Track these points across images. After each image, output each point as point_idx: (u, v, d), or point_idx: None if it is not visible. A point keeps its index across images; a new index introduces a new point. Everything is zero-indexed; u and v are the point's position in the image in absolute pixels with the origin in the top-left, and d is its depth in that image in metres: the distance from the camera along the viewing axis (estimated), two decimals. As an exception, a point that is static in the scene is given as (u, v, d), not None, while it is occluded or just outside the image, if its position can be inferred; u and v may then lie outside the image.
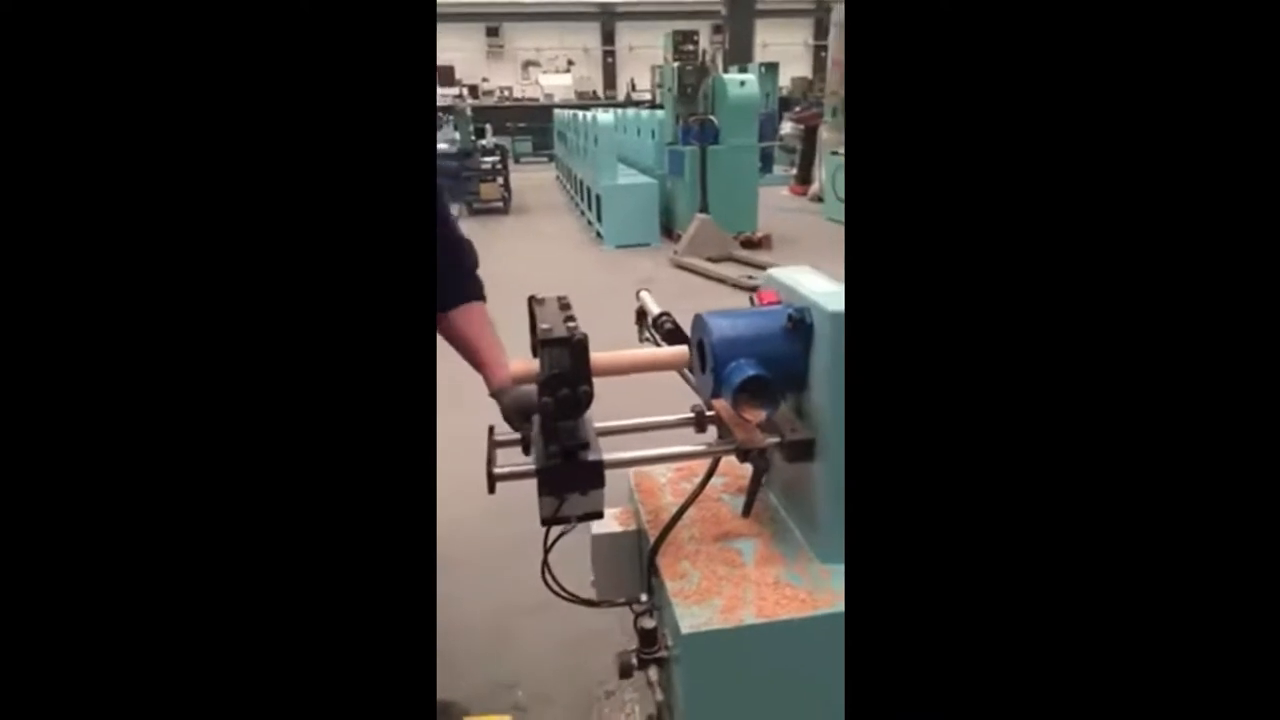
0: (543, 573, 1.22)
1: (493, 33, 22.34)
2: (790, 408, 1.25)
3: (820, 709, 1.12)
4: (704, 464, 1.29)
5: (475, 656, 2.09)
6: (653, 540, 1.25)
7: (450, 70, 18.19)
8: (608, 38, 23.16)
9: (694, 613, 1.10)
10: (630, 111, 11.24)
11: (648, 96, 18.17)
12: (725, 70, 10.09)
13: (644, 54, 21.17)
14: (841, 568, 1.17)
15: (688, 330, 1.33)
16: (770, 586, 1.15)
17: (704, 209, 7.25)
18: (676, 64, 8.36)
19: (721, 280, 6.21)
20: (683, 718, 1.15)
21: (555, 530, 1.19)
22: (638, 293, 1.61)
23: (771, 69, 14.06)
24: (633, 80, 21.73)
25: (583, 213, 9.37)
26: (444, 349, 1.26)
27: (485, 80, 20.39)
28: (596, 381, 1.15)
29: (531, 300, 1.27)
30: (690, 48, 8.62)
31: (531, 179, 13.64)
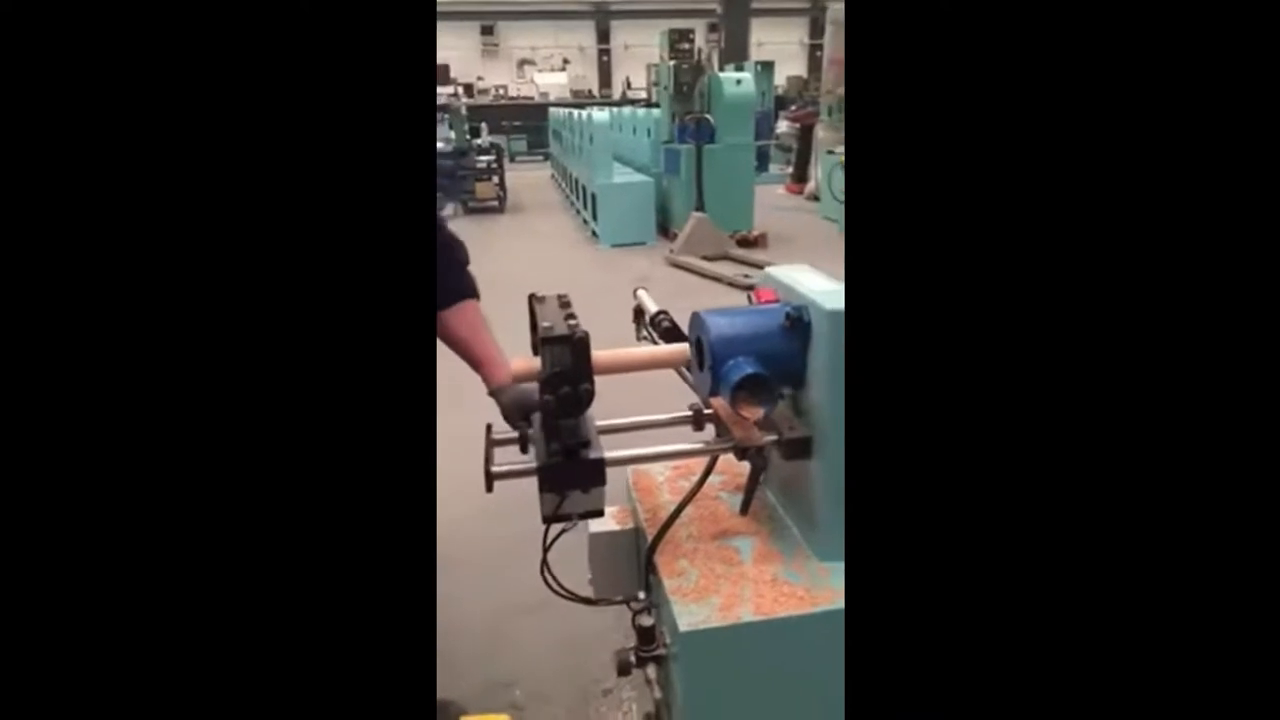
0: (542, 571, 1.22)
1: (487, 31, 22.29)
2: (788, 406, 1.25)
3: (818, 706, 1.12)
4: (701, 462, 1.29)
5: (473, 655, 2.09)
6: (650, 538, 1.25)
7: (445, 69, 18.14)
8: (603, 36, 23.14)
9: (692, 610, 1.11)
10: (626, 110, 11.23)
11: (643, 95, 18.19)
12: (721, 69, 10.08)
13: (639, 52, 21.16)
14: (839, 565, 1.17)
15: (685, 328, 1.33)
16: (768, 584, 1.15)
17: (700, 207, 7.25)
18: (672, 62, 8.36)
19: (717, 279, 6.21)
20: (681, 715, 1.15)
21: (555, 529, 1.19)
22: (635, 291, 1.61)
23: (767, 68, 14.06)
24: (628, 79, 21.71)
25: (578, 211, 9.36)
26: (442, 348, 1.26)
27: (480, 79, 20.34)
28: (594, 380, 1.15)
29: (532, 298, 1.27)
30: (686, 46, 8.61)
31: (527, 178, 13.63)
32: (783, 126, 13.06)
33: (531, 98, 19.14)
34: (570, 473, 1.12)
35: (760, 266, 1.65)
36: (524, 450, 1.23)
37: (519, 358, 1.35)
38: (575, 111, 9.53)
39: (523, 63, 22.33)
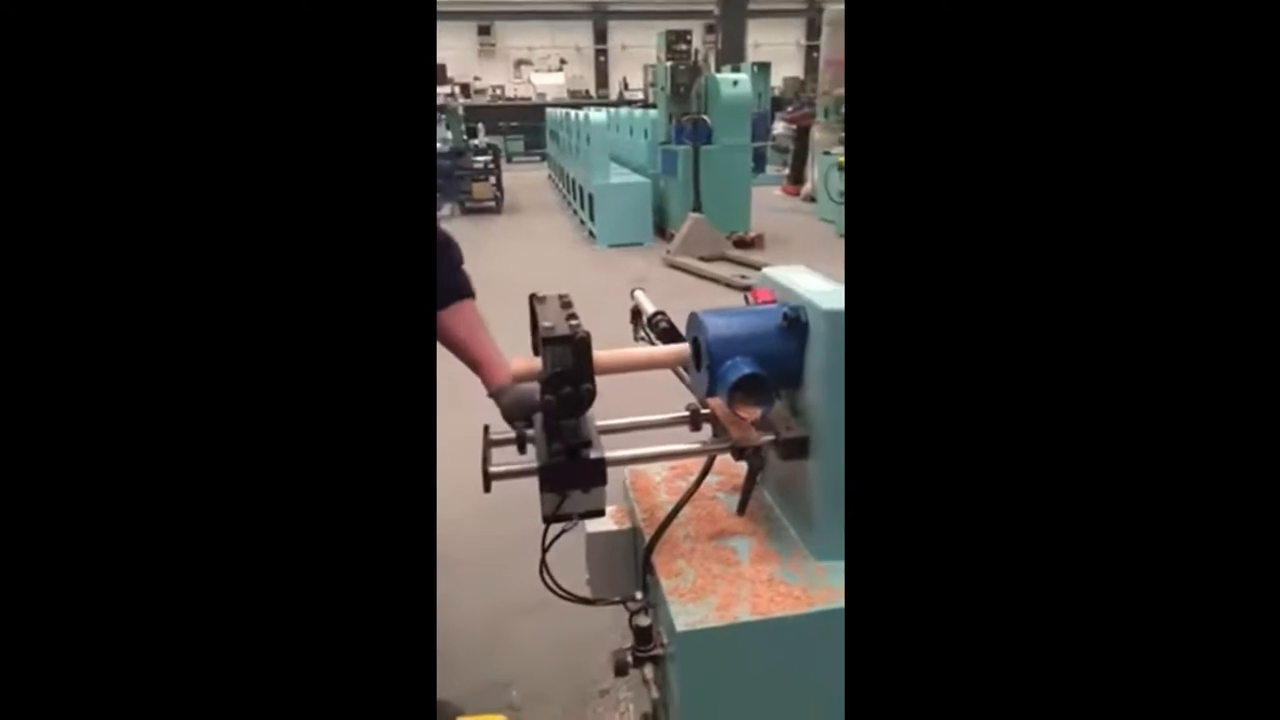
0: (540, 571, 1.22)
1: (484, 31, 22.29)
2: (785, 406, 1.26)
3: (815, 706, 1.12)
4: (699, 462, 1.30)
5: (471, 655, 2.09)
6: (648, 538, 1.25)
7: (442, 69, 18.10)
8: (600, 36, 23.15)
9: (689, 610, 1.11)
10: (623, 111, 11.24)
11: (640, 96, 18.19)
12: (718, 70, 10.10)
13: (636, 53, 21.18)
14: (836, 565, 1.17)
15: (682, 329, 1.33)
16: (765, 584, 1.15)
17: (697, 208, 7.26)
18: (669, 63, 8.37)
19: (714, 280, 6.22)
20: (678, 715, 1.15)
21: (554, 529, 1.19)
22: (632, 292, 1.61)
23: (764, 69, 14.08)
24: (625, 79, 21.72)
25: (575, 212, 9.36)
26: (439, 349, 1.26)
27: (477, 79, 20.32)
28: (592, 380, 1.15)
29: (533, 298, 1.27)
30: (683, 47, 8.62)
31: (524, 178, 13.62)
32: (779, 128, 13.08)
33: (529, 98, 19.12)
34: (572, 472, 1.13)
35: (757, 267, 1.65)
36: (521, 450, 1.23)
37: (519, 358, 1.35)
38: (572, 112, 9.53)
39: (520, 63, 22.32)
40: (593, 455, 1.13)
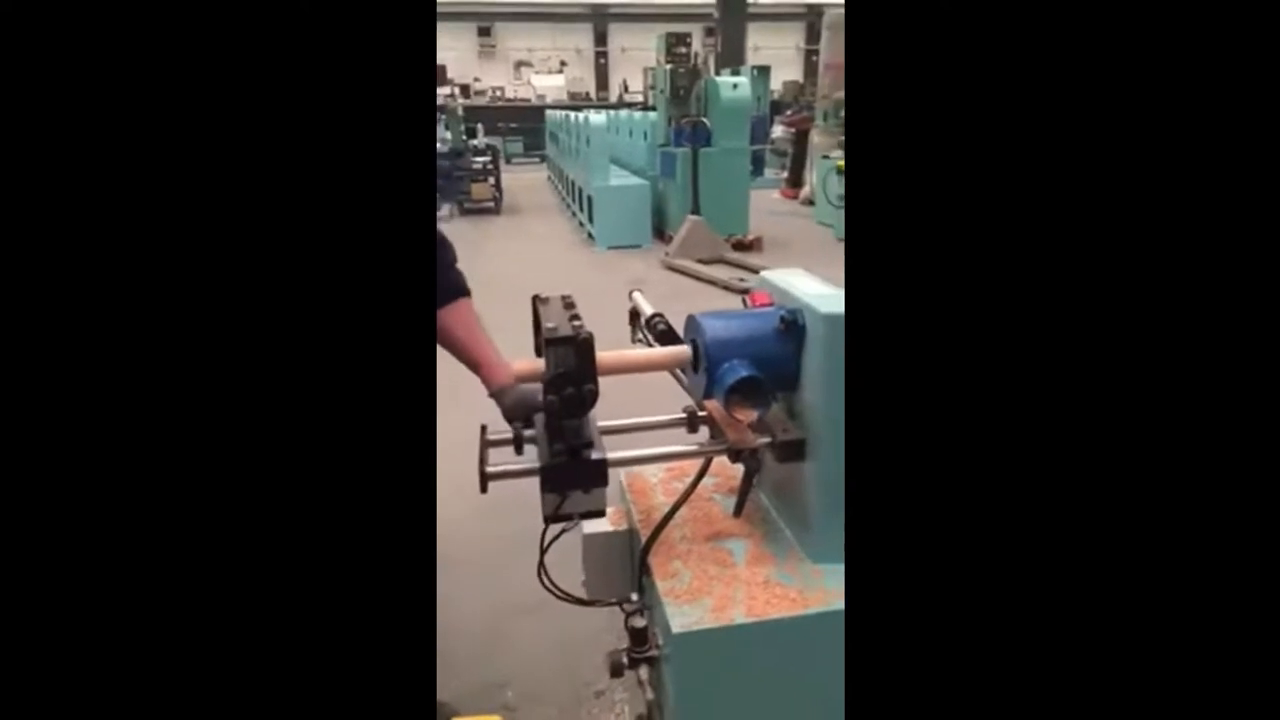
0: (539, 571, 1.22)
1: (485, 32, 22.30)
2: (782, 408, 1.26)
3: (810, 707, 1.13)
4: (695, 464, 1.30)
5: (468, 656, 2.09)
6: (644, 540, 1.26)
7: (442, 69, 18.10)
8: (600, 39, 23.17)
9: (685, 612, 1.11)
10: (623, 113, 11.24)
11: (640, 98, 18.19)
12: (717, 73, 10.10)
13: (636, 55, 21.20)
14: (831, 567, 1.18)
15: (680, 331, 1.34)
16: (761, 586, 1.16)
17: (696, 211, 7.26)
18: (669, 66, 8.37)
19: (712, 282, 6.22)
20: (673, 717, 1.16)
21: (553, 530, 1.19)
22: (630, 294, 1.62)
23: (763, 72, 14.08)
24: (625, 81, 21.73)
25: (574, 214, 9.36)
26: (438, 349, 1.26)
27: (477, 80, 20.33)
28: (591, 381, 1.15)
29: (536, 299, 1.27)
30: (683, 50, 8.62)
31: (523, 179, 13.62)
32: (778, 131, 13.09)
33: (528, 99, 19.12)
34: (573, 473, 1.13)
35: (755, 270, 1.66)
36: (519, 451, 1.23)
37: (521, 359, 1.35)
38: (572, 114, 9.53)
39: (520, 64, 22.33)
40: (594, 456, 1.13)
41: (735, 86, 7.98)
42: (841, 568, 1.12)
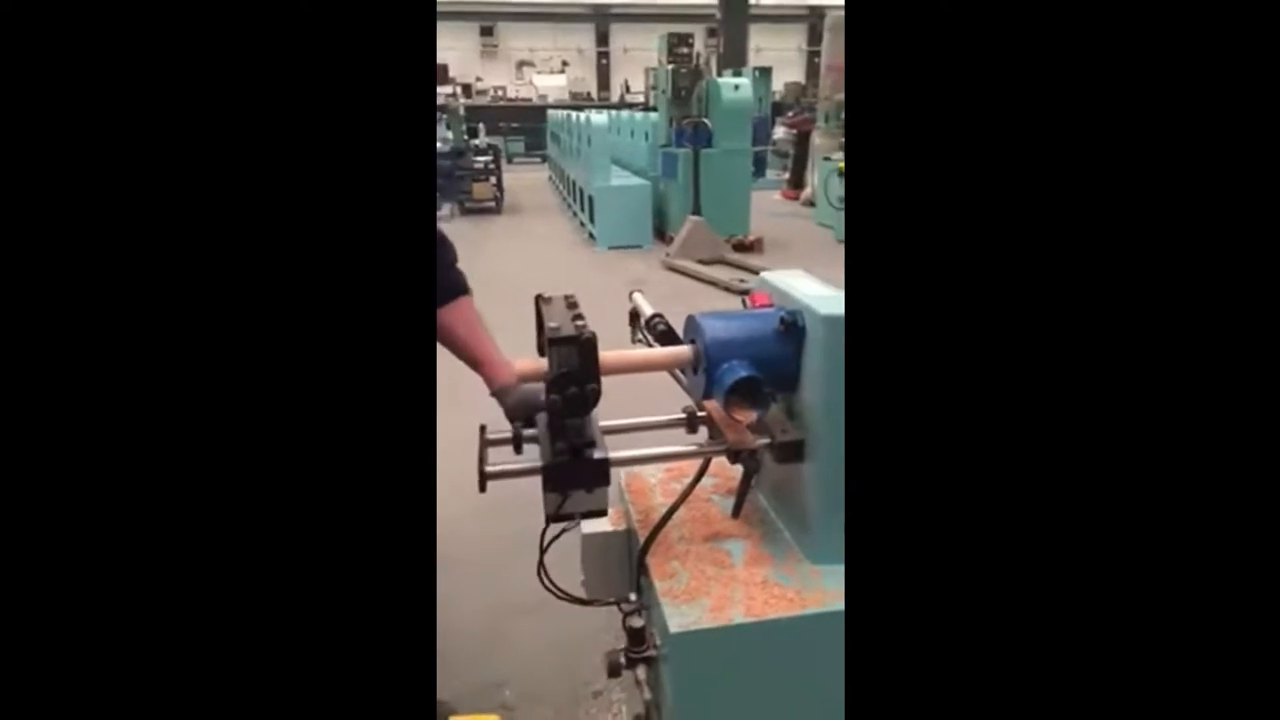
0: (538, 571, 1.23)
1: (487, 32, 22.31)
2: (781, 409, 1.26)
3: (808, 708, 1.13)
4: (694, 465, 1.30)
5: (466, 655, 2.09)
6: (643, 540, 1.26)
7: (444, 69, 18.12)
8: (602, 39, 23.18)
9: (682, 612, 1.11)
10: (624, 113, 11.24)
11: (641, 98, 18.19)
12: (719, 74, 10.11)
13: (638, 56, 21.20)
14: (830, 568, 1.18)
15: (680, 332, 1.34)
16: (759, 586, 1.16)
17: (696, 211, 7.26)
18: (671, 66, 8.38)
19: (713, 283, 6.22)
20: (670, 717, 1.16)
21: (553, 529, 1.19)
22: (631, 294, 1.62)
23: (765, 73, 14.10)
24: (627, 82, 21.75)
25: (575, 214, 9.37)
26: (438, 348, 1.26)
27: (479, 79, 20.34)
28: (593, 381, 1.15)
29: (539, 299, 1.27)
30: (685, 50, 8.63)
31: (524, 179, 13.62)
32: (780, 132, 13.10)
33: (530, 99, 19.13)
34: (575, 472, 1.13)
35: (755, 271, 1.66)
36: (518, 450, 1.23)
37: (523, 359, 1.35)
38: (573, 114, 9.53)
39: (522, 64, 22.34)
40: (596, 455, 1.13)
41: (737, 88, 7.99)
42: (840, 569, 1.12)
